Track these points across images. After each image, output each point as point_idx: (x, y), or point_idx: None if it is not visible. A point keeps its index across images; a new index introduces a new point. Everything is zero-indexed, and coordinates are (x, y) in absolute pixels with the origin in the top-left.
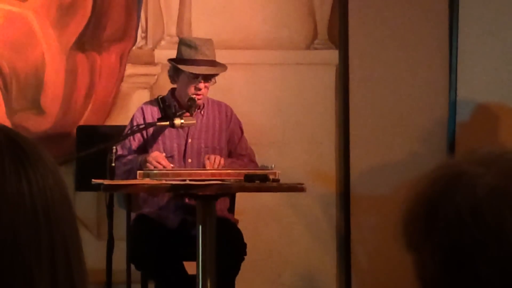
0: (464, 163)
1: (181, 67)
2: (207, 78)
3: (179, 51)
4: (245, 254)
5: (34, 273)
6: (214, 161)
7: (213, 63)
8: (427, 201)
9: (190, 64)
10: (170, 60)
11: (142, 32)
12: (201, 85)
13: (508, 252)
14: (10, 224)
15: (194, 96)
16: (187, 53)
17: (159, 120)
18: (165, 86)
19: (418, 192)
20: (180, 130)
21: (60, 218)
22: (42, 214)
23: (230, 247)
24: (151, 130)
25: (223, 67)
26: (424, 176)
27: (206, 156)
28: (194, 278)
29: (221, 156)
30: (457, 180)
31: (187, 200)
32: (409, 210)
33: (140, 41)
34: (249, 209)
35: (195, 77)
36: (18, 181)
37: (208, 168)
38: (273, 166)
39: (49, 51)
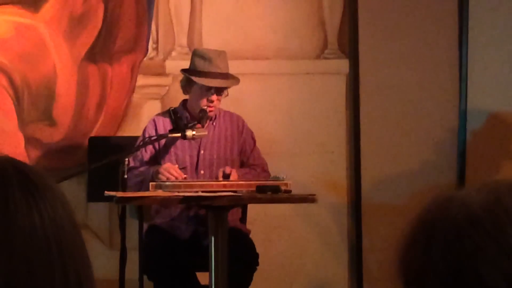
0: (454, 192)
1: (194, 79)
2: (220, 90)
3: (192, 63)
4: (257, 264)
5: None
6: (230, 174)
7: (226, 76)
8: (422, 225)
9: (204, 76)
10: (184, 70)
11: (153, 43)
12: (214, 97)
13: (509, 253)
14: (24, 256)
15: (205, 107)
16: (201, 65)
17: (171, 131)
18: (176, 96)
19: (412, 224)
20: (192, 141)
21: (72, 247)
22: (54, 244)
23: (242, 258)
24: (163, 141)
25: (236, 80)
26: (419, 212)
27: (221, 169)
28: None
29: (233, 167)
30: (449, 201)
31: (199, 211)
32: (405, 242)
33: (151, 52)
34: (261, 219)
35: (208, 89)
36: (29, 214)
37: (220, 179)
38: (284, 176)
39: (61, 62)
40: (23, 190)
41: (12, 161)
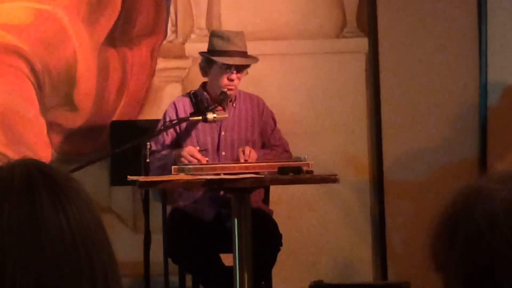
0: (483, 182)
1: (214, 58)
2: (240, 69)
3: (211, 43)
4: (281, 245)
5: None
6: (249, 154)
7: (245, 54)
8: (448, 219)
9: (223, 55)
10: (202, 52)
11: (172, 26)
12: (234, 75)
13: None
14: (52, 259)
15: (225, 89)
16: (220, 44)
17: (192, 115)
18: (197, 79)
19: (441, 213)
20: (213, 123)
21: (98, 248)
22: (81, 245)
23: (265, 239)
24: (184, 124)
25: (255, 58)
26: (449, 199)
27: (241, 149)
28: (231, 270)
29: (254, 148)
30: (476, 196)
31: (221, 193)
32: (434, 231)
33: (170, 35)
34: (283, 199)
35: (228, 68)
36: (56, 216)
37: (241, 160)
38: (306, 157)
39: (81, 47)
40: (49, 193)
41: (37, 163)
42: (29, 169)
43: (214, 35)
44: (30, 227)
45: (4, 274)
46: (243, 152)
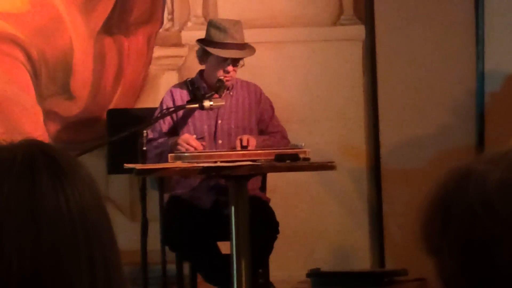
0: (473, 163)
1: (210, 50)
2: (236, 61)
3: (208, 33)
4: (278, 233)
5: (75, 287)
6: (248, 141)
7: (241, 46)
8: (440, 202)
9: (219, 47)
10: (199, 41)
11: (169, 14)
12: (230, 68)
13: None
14: (50, 240)
15: (222, 77)
16: (217, 36)
17: (189, 102)
18: (193, 67)
19: (432, 196)
20: (210, 111)
21: (98, 231)
22: (81, 228)
23: (262, 226)
24: (180, 112)
25: (252, 50)
26: (438, 182)
27: (239, 137)
28: (228, 257)
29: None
30: (467, 178)
31: (219, 181)
32: (425, 214)
33: (166, 23)
34: (280, 187)
35: (224, 60)
36: (56, 198)
37: (239, 148)
38: (303, 144)
39: (77, 36)
40: (50, 174)
41: (40, 144)
42: (31, 150)
43: (211, 25)
44: (29, 209)
45: (1, 256)
46: (241, 140)
